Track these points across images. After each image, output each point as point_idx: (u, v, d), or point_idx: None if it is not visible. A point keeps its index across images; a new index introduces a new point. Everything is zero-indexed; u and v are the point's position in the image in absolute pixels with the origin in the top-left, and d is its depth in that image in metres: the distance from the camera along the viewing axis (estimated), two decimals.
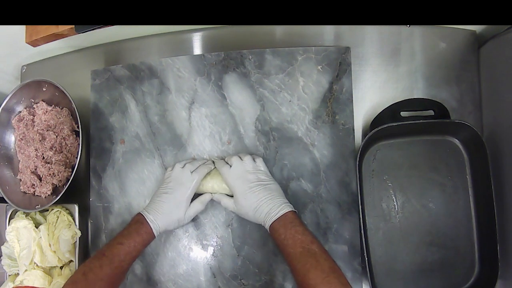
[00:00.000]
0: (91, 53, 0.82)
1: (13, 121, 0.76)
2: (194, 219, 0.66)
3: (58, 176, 0.72)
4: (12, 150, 0.77)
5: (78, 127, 0.72)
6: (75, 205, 0.72)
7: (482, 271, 0.65)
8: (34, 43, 0.74)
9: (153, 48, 0.79)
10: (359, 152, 0.62)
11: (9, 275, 0.74)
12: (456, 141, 0.68)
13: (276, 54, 0.68)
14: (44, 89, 0.75)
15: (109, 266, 0.53)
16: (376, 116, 0.66)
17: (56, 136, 0.74)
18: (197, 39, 0.77)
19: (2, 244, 0.73)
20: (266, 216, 0.55)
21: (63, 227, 0.70)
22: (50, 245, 0.70)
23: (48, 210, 0.73)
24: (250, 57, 0.68)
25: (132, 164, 0.70)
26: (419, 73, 0.71)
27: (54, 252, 0.70)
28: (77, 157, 0.72)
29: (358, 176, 0.62)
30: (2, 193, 0.71)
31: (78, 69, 0.80)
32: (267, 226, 0.56)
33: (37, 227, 0.71)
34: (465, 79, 0.71)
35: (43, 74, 0.78)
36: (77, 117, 0.70)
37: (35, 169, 0.74)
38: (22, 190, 0.74)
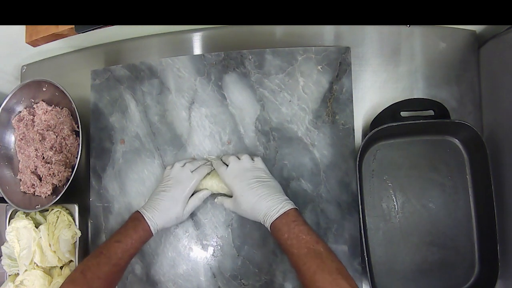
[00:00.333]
0: (91, 53, 0.82)
1: (13, 121, 0.76)
2: (194, 219, 0.66)
3: (58, 176, 0.72)
4: (12, 150, 0.77)
5: (78, 127, 0.72)
6: (75, 205, 0.72)
7: (482, 271, 0.65)
8: (34, 43, 0.74)
9: (153, 48, 0.79)
10: (359, 152, 0.62)
11: (9, 275, 0.74)
12: (456, 141, 0.68)
13: (276, 54, 0.68)
14: (44, 89, 0.75)
15: (107, 264, 0.53)
16: (376, 116, 0.66)
17: (56, 136, 0.74)
18: (197, 39, 0.77)
19: (2, 244, 0.73)
20: (266, 213, 0.54)
21: (63, 227, 0.70)
22: (50, 245, 0.70)
23: (48, 210, 0.73)
24: (250, 57, 0.68)
25: (132, 164, 0.70)
26: (419, 73, 0.71)
27: (54, 252, 0.70)
28: (77, 157, 0.72)
29: (358, 176, 0.62)
30: (2, 193, 0.71)
31: (78, 69, 0.80)
32: (267, 224, 0.54)
33: (37, 227, 0.71)
34: (465, 79, 0.71)
35: (43, 74, 0.78)
36: (77, 117, 0.70)
37: (35, 169, 0.74)
38: (22, 190, 0.74)
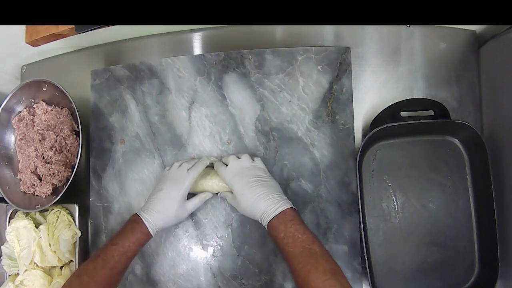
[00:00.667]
0: (91, 53, 0.82)
1: (13, 121, 0.76)
2: (194, 219, 0.66)
3: (58, 176, 0.72)
4: (12, 150, 0.77)
5: (78, 127, 0.72)
6: (75, 205, 0.72)
7: (482, 271, 0.65)
8: (34, 43, 0.74)
9: (153, 48, 0.79)
10: (359, 152, 0.62)
11: (9, 275, 0.74)
12: (456, 141, 0.68)
13: (276, 54, 0.68)
14: (44, 89, 0.74)
15: (103, 268, 0.52)
16: (376, 116, 0.66)
17: (56, 136, 0.74)
18: (197, 39, 0.77)
19: (2, 244, 0.73)
20: (264, 212, 0.54)
21: (63, 227, 0.70)
22: (50, 245, 0.70)
23: (48, 210, 0.73)
24: (250, 57, 0.68)
25: (132, 164, 0.70)
26: (419, 73, 0.71)
27: (54, 252, 0.70)
28: (77, 157, 0.72)
29: (358, 176, 0.62)
30: (2, 193, 0.71)
31: (78, 69, 0.80)
32: (265, 223, 0.54)
33: (37, 227, 0.71)
34: (465, 79, 0.71)
35: (43, 74, 0.78)
36: (77, 117, 0.70)
37: (35, 169, 0.74)
38: (22, 190, 0.74)
